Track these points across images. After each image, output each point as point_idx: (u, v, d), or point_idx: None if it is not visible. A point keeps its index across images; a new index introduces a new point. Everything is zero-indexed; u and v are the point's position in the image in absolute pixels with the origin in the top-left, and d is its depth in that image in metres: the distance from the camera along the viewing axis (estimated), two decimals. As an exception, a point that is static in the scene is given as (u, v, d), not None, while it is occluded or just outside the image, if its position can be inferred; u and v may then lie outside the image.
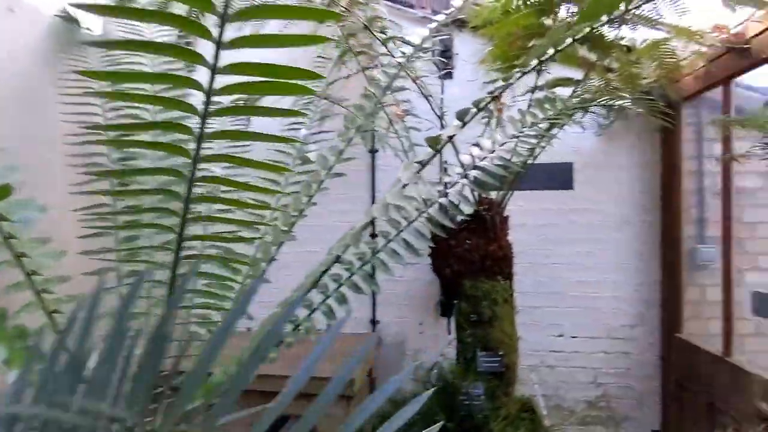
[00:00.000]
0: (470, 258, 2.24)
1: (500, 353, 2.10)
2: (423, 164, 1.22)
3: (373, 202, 3.11)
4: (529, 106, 1.90)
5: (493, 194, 2.38)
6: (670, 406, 2.84)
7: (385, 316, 3.13)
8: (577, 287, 2.99)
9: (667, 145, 2.89)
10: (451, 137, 1.21)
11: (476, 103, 1.34)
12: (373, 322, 3.12)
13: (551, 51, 1.42)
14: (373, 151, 3.12)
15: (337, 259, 1.27)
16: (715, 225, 2.85)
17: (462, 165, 1.50)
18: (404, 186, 1.19)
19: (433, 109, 2.35)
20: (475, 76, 2.52)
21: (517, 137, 1.44)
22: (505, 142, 1.49)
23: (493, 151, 1.48)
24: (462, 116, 1.32)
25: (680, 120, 2.82)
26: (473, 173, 1.44)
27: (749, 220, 2.88)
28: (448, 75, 2.89)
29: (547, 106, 1.54)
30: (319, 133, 1.98)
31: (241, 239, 1.49)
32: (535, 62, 1.60)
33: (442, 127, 2.44)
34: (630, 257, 2.95)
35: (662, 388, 2.93)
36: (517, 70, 1.40)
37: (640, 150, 2.95)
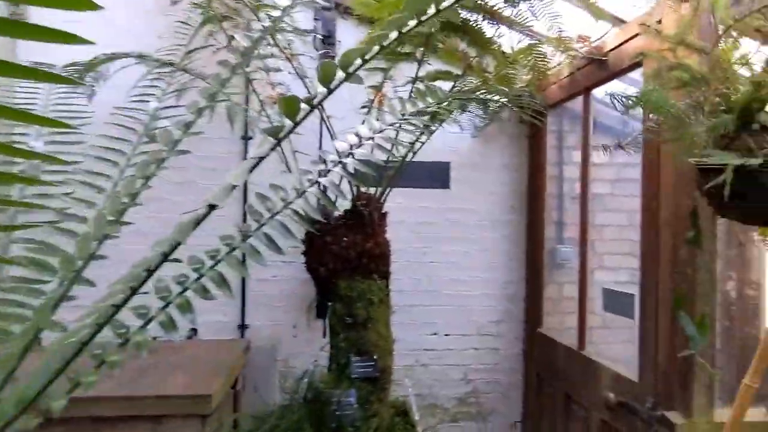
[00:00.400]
0: (346, 255, 2.11)
1: (375, 357, 2.00)
2: (261, 158, 1.01)
3: (245, 195, 2.83)
4: (410, 96, 1.82)
5: (372, 189, 2.28)
6: (531, 398, 3.01)
7: (255, 319, 2.87)
8: (451, 285, 3.03)
9: (533, 149, 3.07)
10: (295, 125, 1.03)
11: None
12: (242, 326, 2.84)
13: (413, 23, 1.32)
14: (245, 138, 2.84)
15: (165, 258, 1.03)
16: (571, 227, 3.09)
17: (338, 153, 1.35)
18: (252, 168, 0.99)
19: (309, 93, 2.17)
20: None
21: (397, 126, 1.33)
22: (384, 130, 1.37)
23: (371, 138, 1.35)
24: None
25: (545, 126, 2.99)
26: (349, 162, 1.30)
27: (599, 223, 3.17)
28: (330, 63, 2.73)
29: (427, 96, 1.46)
30: (175, 107, 1.69)
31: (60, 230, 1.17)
32: (418, 51, 1.52)
33: (321, 111, 2.27)
34: (500, 256, 3.07)
35: (524, 381, 3.09)
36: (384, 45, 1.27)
37: (511, 153, 3.09)
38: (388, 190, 2.32)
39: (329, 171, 1.36)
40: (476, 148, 3.06)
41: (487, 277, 3.06)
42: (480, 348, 3.05)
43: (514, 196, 3.09)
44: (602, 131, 3.10)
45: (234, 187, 0.93)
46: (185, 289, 1.14)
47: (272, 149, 0.95)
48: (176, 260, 1.01)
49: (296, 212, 1.28)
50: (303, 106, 0.94)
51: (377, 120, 1.48)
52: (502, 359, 3.08)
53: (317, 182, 1.33)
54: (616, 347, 3.03)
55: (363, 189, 2.24)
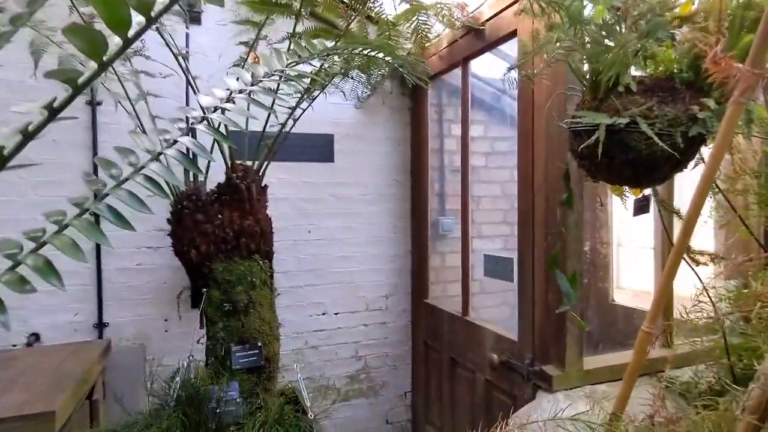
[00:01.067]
0: (222, 235, 1.89)
1: (259, 345, 1.83)
2: (57, 109, 0.77)
3: (95, 169, 2.41)
4: (289, 48, 1.65)
5: (249, 162, 2.07)
6: (419, 367, 3.07)
7: (117, 315, 2.49)
8: (338, 263, 2.94)
9: (415, 122, 3.07)
10: (99, 72, 0.82)
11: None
12: (100, 324, 2.45)
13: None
14: (93, 104, 2.41)
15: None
16: (452, 199, 3.18)
17: (202, 108, 1.15)
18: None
19: (168, 46, 1.87)
20: (228, 19, 2.13)
21: (273, 78, 1.17)
22: (258, 82, 1.20)
23: (242, 91, 1.17)
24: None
25: (425, 100, 3.01)
26: (216, 117, 1.11)
27: (475, 194, 3.31)
28: (195, 19, 2.41)
29: (306, 46, 1.31)
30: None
31: None
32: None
33: (186, 72, 1.98)
34: (385, 230, 3.05)
35: (412, 351, 3.15)
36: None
37: (395, 125, 3.06)
38: (267, 162, 2.12)
39: (192, 129, 1.15)
40: (360, 119, 2.97)
41: (373, 252, 3.02)
42: (369, 324, 3.03)
43: (398, 170, 3.08)
44: (477, 106, 3.21)
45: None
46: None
47: (69, 101, 0.72)
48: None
49: (149, 179, 1.06)
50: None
51: (249, 70, 1.30)
52: (390, 332, 3.09)
53: (175, 141, 1.12)
54: (494, 311, 3.22)
55: (239, 161, 2.02)
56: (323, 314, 2.92)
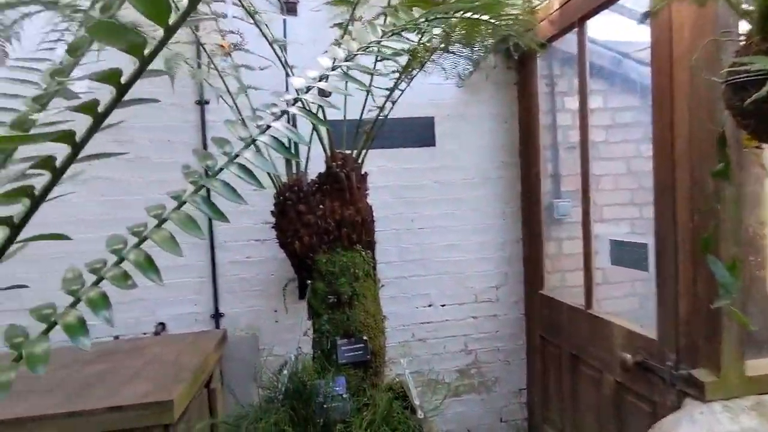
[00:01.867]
0: (324, 226, 1.84)
1: (364, 339, 1.75)
2: (125, 85, 0.69)
3: (207, 174, 2.52)
4: (385, 21, 1.52)
5: (349, 151, 2.00)
6: (535, 362, 2.83)
7: (231, 306, 2.60)
8: (443, 252, 2.79)
9: (524, 97, 2.80)
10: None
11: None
12: (216, 315, 2.57)
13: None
14: (201, 103, 2.51)
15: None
16: (568, 179, 2.86)
17: (296, 91, 1.07)
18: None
19: (265, 37, 1.85)
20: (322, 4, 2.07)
21: (369, 49, 1.05)
22: (352, 57, 1.08)
23: (336, 68, 1.07)
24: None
25: (534, 72, 2.72)
26: (309, 97, 1.02)
27: (595, 173, 2.94)
28: (292, 10, 2.40)
29: (401, 15, 1.17)
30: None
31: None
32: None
33: (285, 64, 1.96)
34: (493, 216, 2.83)
35: (527, 345, 2.91)
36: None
37: (500, 102, 2.82)
38: (366, 149, 2.04)
39: (284, 112, 1.07)
40: (462, 98, 2.78)
41: (481, 239, 2.83)
42: (479, 316, 2.85)
43: (505, 150, 2.83)
44: (595, 74, 2.84)
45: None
46: (100, 279, 0.86)
47: (137, 76, 0.64)
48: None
49: (243, 167, 1.00)
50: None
51: (342, 47, 1.19)
52: (502, 325, 2.88)
53: (268, 127, 1.05)
54: (621, 303, 2.86)
55: (338, 149, 1.96)
56: (429, 306, 2.80)
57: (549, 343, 2.67)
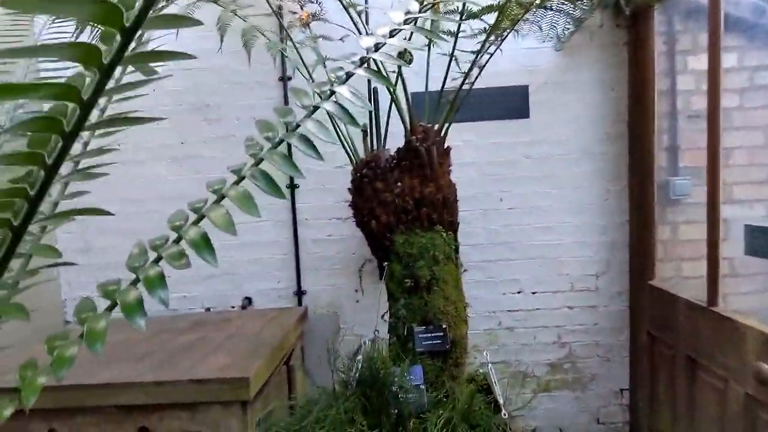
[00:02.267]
0: (402, 205, 1.71)
1: (443, 326, 1.62)
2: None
3: (289, 151, 2.50)
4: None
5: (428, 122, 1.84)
6: (640, 361, 2.50)
7: (313, 284, 2.60)
8: (535, 235, 2.55)
9: (636, 59, 2.42)
10: None
11: None
12: (299, 292, 2.58)
13: None
14: (284, 79, 2.48)
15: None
16: (688, 154, 2.45)
17: (366, 51, 0.94)
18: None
19: (341, 1, 1.73)
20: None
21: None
22: (428, 6, 0.92)
23: (408, 22, 0.91)
24: None
25: (650, 28, 2.34)
26: (378, 56, 0.89)
27: (725, 145, 2.49)
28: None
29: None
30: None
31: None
32: None
33: (365, 27, 1.83)
34: (594, 195, 2.52)
35: (631, 342, 2.58)
36: None
37: (606, 66, 2.47)
38: (449, 122, 1.86)
39: (349, 75, 0.95)
40: (560, 64, 2.47)
41: (579, 222, 2.53)
42: (575, 306, 2.57)
43: (611, 121, 2.49)
44: (729, 27, 2.37)
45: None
46: (159, 258, 0.81)
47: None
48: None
49: (304, 138, 0.90)
50: None
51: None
52: (602, 318, 2.58)
53: (332, 93, 0.94)
54: (753, 300, 2.43)
55: (418, 121, 1.81)
56: (519, 293, 2.58)
57: (659, 341, 2.34)
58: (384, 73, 1.78)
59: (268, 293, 2.60)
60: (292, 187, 2.53)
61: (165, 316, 2.52)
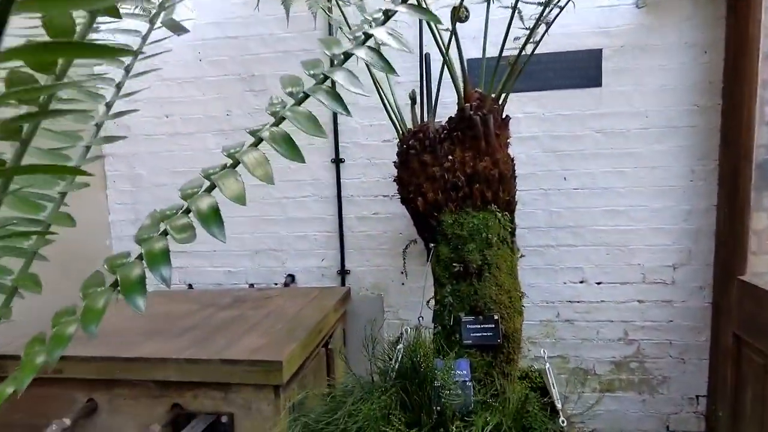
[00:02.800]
0: (453, 180, 1.53)
1: (495, 318, 1.44)
2: None
3: (335, 122, 2.37)
4: None
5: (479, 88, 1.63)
6: (723, 366, 2.20)
7: (357, 264, 2.48)
8: (603, 219, 2.28)
9: (737, 16, 2.06)
10: None
11: None
12: (342, 272, 2.47)
13: None
14: (329, 48, 2.34)
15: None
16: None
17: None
18: None
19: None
20: None
21: None
22: None
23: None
24: None
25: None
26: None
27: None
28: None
29: None
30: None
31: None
32: None
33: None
34: (677, 176, 2.21)
35: (712, 343, 2.28)
36: None
37: (698, 26, 2.12)
38: (508, 89, 1.64)
39: (389, 14, 0.80)
40: (642, 24, 2.15)
41: (657, 206, 2.23)
42: (646, 300, 2.30)
43: (701, 90, 2.15)
44: None
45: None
46: (164, 233, 0.70)
47: None
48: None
49: (331, 92, 0.77)
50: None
51: None
52: (678, 315, 2.29)
53: (367, 37, 0.80)
54: None
55: (472, 87, 1.60)
56: (581, 282, 2.33)
57: (748, 345, 2.03)
58: (434, 29, 1.58)
59: (311, 271, 2.51)
60: (337, 161, 2.40)
61: (210, 290, 2.50)
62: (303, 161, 0.69)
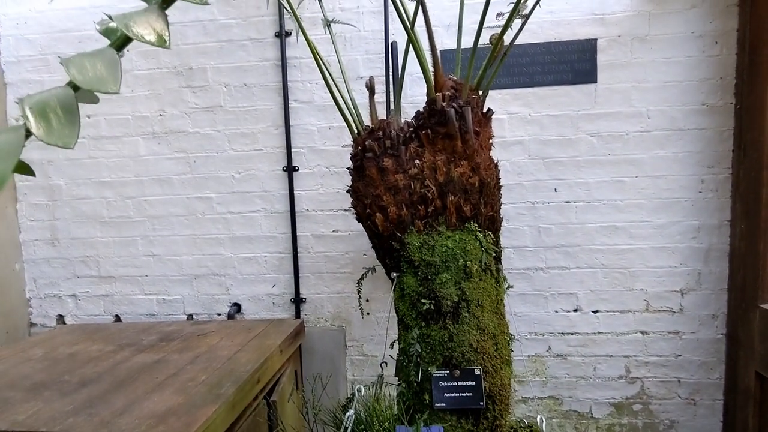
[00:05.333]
0: (420, 191, 1.18)
1: (476, 373, 1.08)
2: None
3: (287, 122, 2.02)
4: None
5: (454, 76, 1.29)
6: (743, 409, 1.88)
7: (314, 290, 2.10)
8: (600, 237, 1.96)
9: (755, 2, 1.78)
10: None
11: None
12: (297, 300, 2.09)
13: None
14: (281, 35, 1.99)
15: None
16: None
17: None
18: None
19: None
20: None
21: None
22: None
23: None
24: None
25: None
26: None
27: None
28: None
29: None
30: None
31: None
32: None
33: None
34: (684, 187, 1.90)
35: (728, 382, 1.96)
36: None
37: (706, 14, 1.84)
38: (489, 79, 1.31)
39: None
40: (642, 11, 1.86)
41: (661, 221, 1.93)
42: (650, 332, 1.97)
43: (710, 87, 1.86)
44: None
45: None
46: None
47: None
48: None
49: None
50: None
51: None
52: (687, 348, 1.97)
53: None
54: None
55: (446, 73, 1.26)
56: (575, 311, 2.00)
57: (773, 386, 1.72)
58: (402, 10, 1.25)
59: (261, 299, 2.13)
60: (290, 169, 2.03)
61: (138, 323, 2.09)
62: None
